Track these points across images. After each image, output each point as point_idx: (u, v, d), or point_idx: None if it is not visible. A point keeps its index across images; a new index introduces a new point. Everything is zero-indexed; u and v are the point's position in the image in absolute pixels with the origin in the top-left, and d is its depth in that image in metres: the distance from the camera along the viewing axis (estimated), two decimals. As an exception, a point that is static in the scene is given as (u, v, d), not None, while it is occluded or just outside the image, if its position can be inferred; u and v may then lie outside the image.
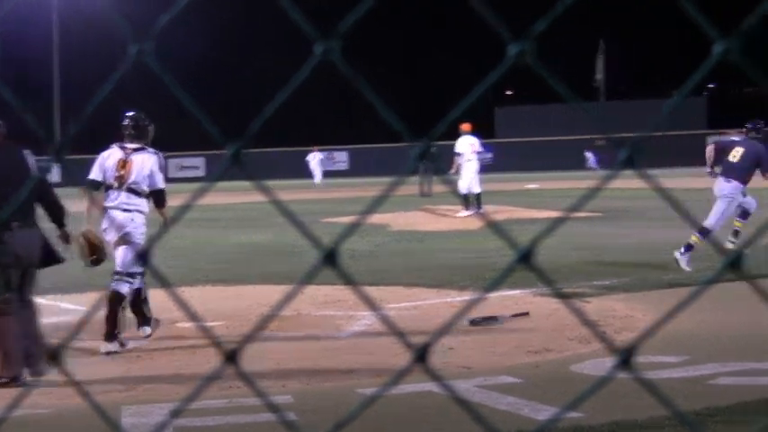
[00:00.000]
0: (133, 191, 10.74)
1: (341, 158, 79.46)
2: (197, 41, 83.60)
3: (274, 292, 13.60)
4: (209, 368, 9.41)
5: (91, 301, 12.70)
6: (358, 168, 76.48)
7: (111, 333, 10.35)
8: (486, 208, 28.12)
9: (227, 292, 13.98)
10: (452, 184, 27.17)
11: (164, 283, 1.76)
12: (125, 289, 10.60)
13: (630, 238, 20.06)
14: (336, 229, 24.53)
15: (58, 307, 13.18)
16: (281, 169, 63.68)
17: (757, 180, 16.24)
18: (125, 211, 10.70)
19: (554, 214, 25.89)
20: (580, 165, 72.23)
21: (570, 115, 64.88)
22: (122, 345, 10.43)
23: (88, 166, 11.00)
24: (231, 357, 1.56)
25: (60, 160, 1.63)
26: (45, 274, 10.06)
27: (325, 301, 12.69)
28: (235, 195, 28.72)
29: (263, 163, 57.69)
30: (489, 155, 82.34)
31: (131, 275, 10.64)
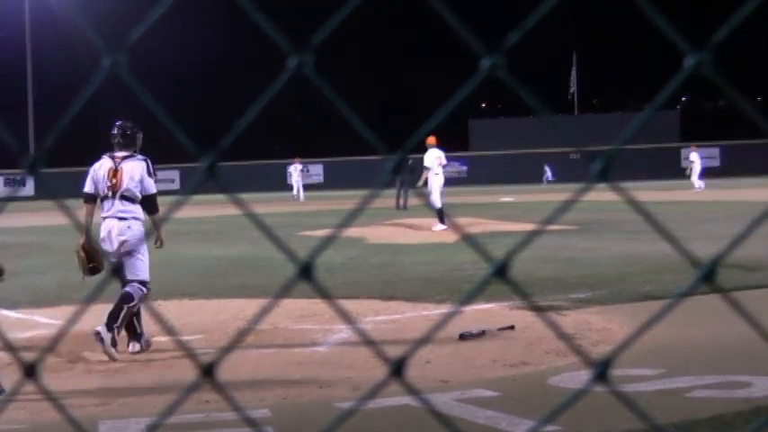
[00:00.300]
0: (127, 198, 10.90)
1: (316, 171, 79.47)
2: (173, 53, 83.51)
3: (251, 306, 13.58)
4: (186, 382, 9.37)
5: (66, 315, 12.64)
6: (333, 181, 76.52)
7: (136, 333, 10.73)
8: (462, 221, 28.17)
9: (203, 306, 13.93)
10: (427, 198, 27.19)
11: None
12: (135, 291, 10.67)
13: (606, 250, 20.12)
14: (312, 242, 24.55)
15: (34, 321, 13.12)
16: (257, 182, 63.69)
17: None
18: (121, 219, 10.88)
19: (529, 227, 25.95)
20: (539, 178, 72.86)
21: (545, 128, 65.15)
22: (112, 344, 10.39)
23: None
24: (208, 371, 1.56)
25: (35, 173, 1.62)
26: (19, 288, 10.02)
27: (301, 315, 12.67)
28: (210, 208, 28.67)
29: (239, 176, 57.57)
30: (464, 168, 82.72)
31: (143, 283, 10.79)
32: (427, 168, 27.62)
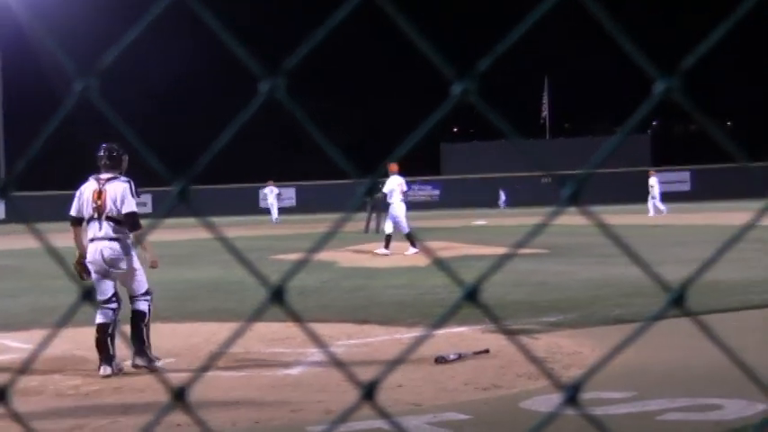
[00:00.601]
0: (113, 219, 11.06)
1: (288, 194, 79.40)
2: (147, 76, 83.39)
3: (223, 329, 13.53)
4: (157, 406, 9.31)
5: (37, 339, 12.56)
6: (305, 205, 76.50)
7: (139, 348, 10.93)
8: (433, 244, 28.17)
9: (175, 330, 13.87)
10: (394, 224, 27.17)
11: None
12: (145, 306, 11.16)
13: (577, 274, 20.17)
14: (284, 265, 24.50)
15: (4, 345, 13.03)
16: (229, 205, 63.59)
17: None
18: (111, 240, 11.06)
19: (501, 251, 26.00)
20: (529, 201, 72.82)
21: (517, 152, 65.39)
22: (152, 361, 10.91)
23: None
24: (180, 395, 1.55)
25: (5, 197, 1.62)
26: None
27: (274, 339, 12.64)
28: (183, 232, 28.56)
29: (211, 199, 57.44)
30: (436, 192, 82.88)
31: (146, 294, 11.27)
32: (384, 194, 27.49)
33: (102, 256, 10.99)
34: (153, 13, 1.45)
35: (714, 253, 1.51)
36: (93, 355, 10.85)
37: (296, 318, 1.49)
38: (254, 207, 74.73)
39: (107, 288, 11.00)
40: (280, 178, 70.27)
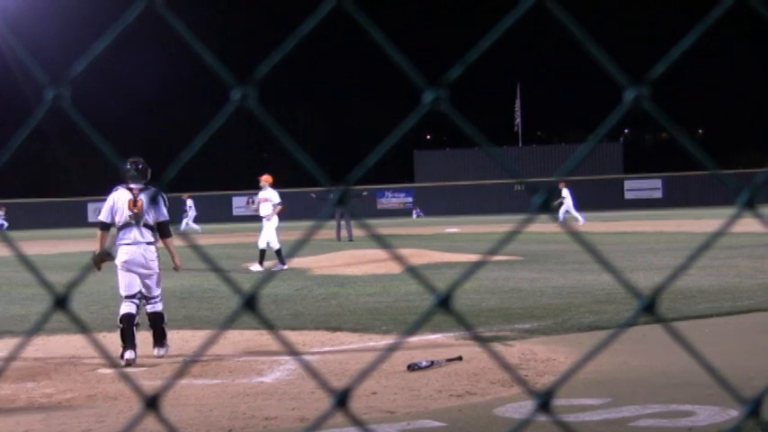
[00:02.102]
0: (147, 226, 12.43)
1: (262, 202, 79.22)
2: (120, 84, 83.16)
3: (196, 337, 13.50)
4: (130, 415, 9.27)
5: (8, 348, 12.49)
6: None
7: (162, 341, 12.55)
8: (406, 252, 28.16)
9: (148, 338, 13.81)
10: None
11: (83, 328, 1.74)
12: (161, 306, 12.62)
13: (550, 281, 20.21)
14: (258, 273, 24.46)
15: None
16: (202, 213, 63.38)
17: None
18: (148, 244, 12.42)
19: (473, 258, 26.05)
20: (503, 208, 73.01)
21: (490, 159, 65.45)
22: (167, 347, 12.55)
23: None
24: (152, 403, 1.55)
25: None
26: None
27: (247, 346, 12.62)
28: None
29: (182, 207, 57.20)
30: (410, 199, 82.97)
31: (155, 297, 12.55)
32: (279, 204, 26.18)
33: (143, 257, 12.34)
34: (124, 22, 1.45)
35: (685, 260, 1.52)
36: (67, 362, 10.79)
37: (269, 325, 1.49)
38: (227, 214, 74.63)
39: (135, 284, 12.35)
40: (253, 186, 70.14)
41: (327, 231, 37.59)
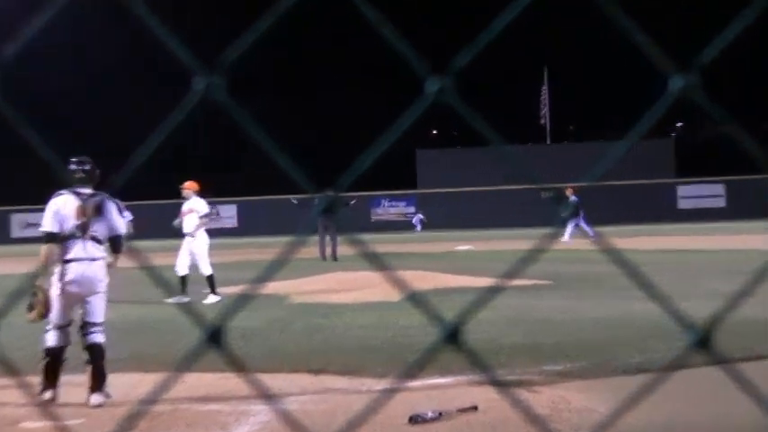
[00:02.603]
0: (96, 239, 12.44)
1: (228, 213, 79.34)
2: (66, 78, 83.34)
3: (145, 382, 13.49)
4: (62, 478, 9.25)
5: None
6: (249, 226, 76.37)
7: (101, 385, 12.30)
8: (408, 274, 28.12)
9: (86, 382, 13.82)
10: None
11: (9, 370, 1.76)
12: (102, 338, 12.50)
13: (586, 311, 20.20)
14: (224, 300, 24.44)
15: None
16: (154, 226, 63.33)
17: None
18: (92, 260, 12.42)
19: (490, 282, 26.04)
20: (526, 219, 72.91)
21: (510, 160, 65.55)
22: (108, 396, 12.32)
23: None
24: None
25: None
26: None
27: (208, 393, 12.61)
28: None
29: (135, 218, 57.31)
30: (411, 209, 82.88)
31: (102, 324, 12.52)
32: (207, 216, 25.66)
33: (88, 277, 12.34)
34: (57, 4, 1.47)
35: (746, 285, 1.53)
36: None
37: (238, 366, 1.51)
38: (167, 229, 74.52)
39: (71, 311, 12.43)
40: (217, 194, 70.22)
41: (310, 249, 37.54)
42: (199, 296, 24.32)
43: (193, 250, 25.28)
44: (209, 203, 25.65)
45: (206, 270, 24.95)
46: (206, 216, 25.66)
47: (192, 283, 24.74)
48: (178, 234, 26.13)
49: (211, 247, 25.55)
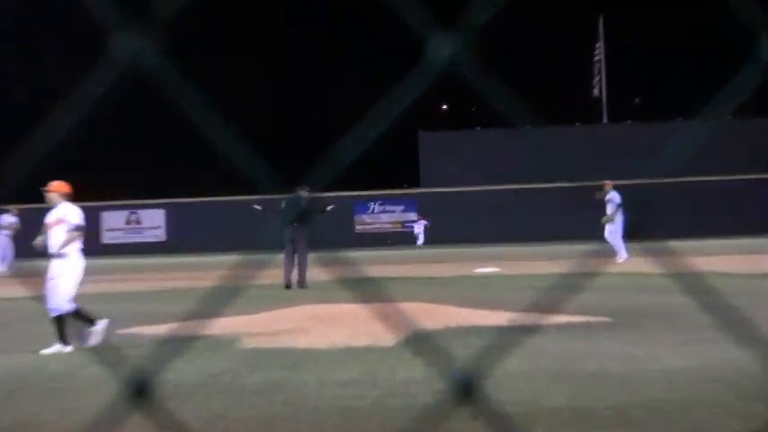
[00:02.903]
0: None
1: (153, 221, 79.48)
2: None
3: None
4: None
5: None
6: (181, 239, 76.49)
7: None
8: (407, 307, 28.08)
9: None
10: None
11: None
12: None
13: (658, 360, 20.19)
14: (149, 344, 24.43)
15: None
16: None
17: None
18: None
19: (522, 318, 26.05)
20: (569, 229, 72.94)
21: (547, 146, 65.61)
22: None
23: None
24: None
25: None
26: None
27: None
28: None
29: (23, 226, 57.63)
30: (413, 214, 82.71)
31: None
32: (78, 229, 24.65)
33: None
34: None
35: None
36: None
37: (170, 434, 1.52)
38: (93, 241, 74.51)
39: None
40: (139, 195, 70.34)
41: (272, 272, 37.39)
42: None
43: (60, 273, 23.95)
44: (83, 211, 24.39)
45: (63, 305, 23.42)
46: (78, 229, 24.37)
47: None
48: (43, 254, 25.27)
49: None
